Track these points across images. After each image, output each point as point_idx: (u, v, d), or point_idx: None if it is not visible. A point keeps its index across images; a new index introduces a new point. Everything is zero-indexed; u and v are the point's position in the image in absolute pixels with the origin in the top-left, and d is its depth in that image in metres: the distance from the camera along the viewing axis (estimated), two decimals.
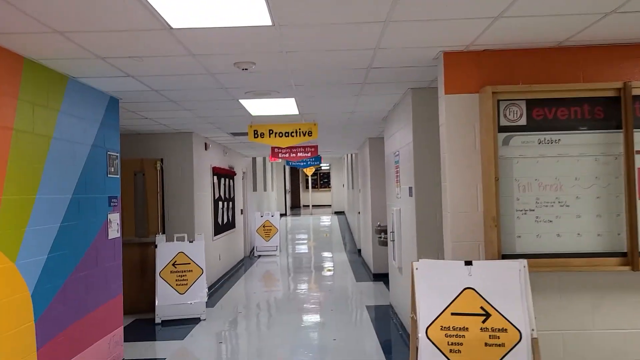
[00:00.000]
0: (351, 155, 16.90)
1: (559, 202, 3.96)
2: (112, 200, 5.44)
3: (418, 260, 3.69)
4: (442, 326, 3.51)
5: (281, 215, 26.82)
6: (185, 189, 8.64)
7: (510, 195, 3.96)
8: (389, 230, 7.62)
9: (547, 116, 3.97)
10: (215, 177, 10.30)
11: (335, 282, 10.63)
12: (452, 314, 3.54)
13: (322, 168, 35.59)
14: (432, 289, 3.60)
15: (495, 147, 3.93)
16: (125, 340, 6.47)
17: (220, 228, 10.70)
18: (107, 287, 5.28)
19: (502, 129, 3.98)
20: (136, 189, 8.10)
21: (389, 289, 9.10)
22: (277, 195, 26.76)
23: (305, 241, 18.39)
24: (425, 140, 5.49)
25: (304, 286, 10.15)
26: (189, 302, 7.54)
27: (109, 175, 5.36)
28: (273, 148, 11.54)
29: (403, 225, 6.36)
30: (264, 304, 8.69)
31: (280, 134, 7.75)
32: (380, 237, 8.85)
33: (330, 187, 35.03)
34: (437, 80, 4.73)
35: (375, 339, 6.43)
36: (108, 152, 5.35)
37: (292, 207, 34.13)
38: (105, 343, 5.22)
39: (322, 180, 36.57)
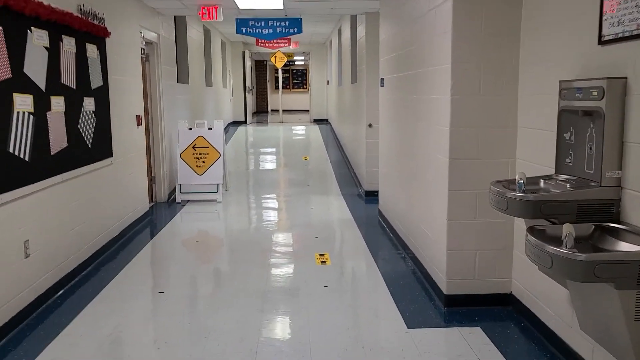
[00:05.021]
0: (353, 27, 9.76)
1: None
2: None
3: None
4: None
5: (238, 123, 19.78)
6: None
7: None
8: None
9: None
10: None
11: (352, 317, 3.97)
12: None
13: (296, 63, 28.15)
14: None
15: None
16: None
17: (26, 170, 3.84)
18: None
19: None
20: None
21: None
22: (235, 96, 19.58)
23: (273, 167, 11.64)
24: None
25: (278, 328, 3.48)
26: None
27: None
28: None
29: None
30: None
31: None
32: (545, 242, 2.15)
33: (306, 88, 27.81)
34: None
35: None
36: None
37: (256, 113, 27.00)
38: None
39: (295, 80, 29.21)
